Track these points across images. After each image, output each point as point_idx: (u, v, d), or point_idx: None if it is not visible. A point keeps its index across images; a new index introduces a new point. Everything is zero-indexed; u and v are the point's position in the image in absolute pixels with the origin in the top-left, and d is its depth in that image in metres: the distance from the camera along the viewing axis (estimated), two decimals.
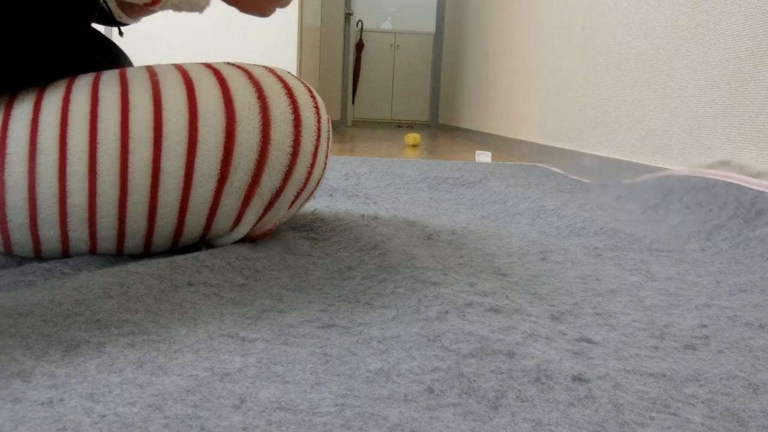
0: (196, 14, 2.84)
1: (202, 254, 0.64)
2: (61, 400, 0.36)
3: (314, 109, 0.70)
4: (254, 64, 0.72)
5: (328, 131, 0.73)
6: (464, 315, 0.53)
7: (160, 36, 2.89)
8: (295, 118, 0.68)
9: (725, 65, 1.22)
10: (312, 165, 0.70)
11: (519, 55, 2.87)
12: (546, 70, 2.41)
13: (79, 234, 0.65)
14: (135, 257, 0.69)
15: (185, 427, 0.33)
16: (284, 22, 3.43)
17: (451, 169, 1.85)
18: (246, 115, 0.65)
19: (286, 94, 0.68)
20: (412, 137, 3.33)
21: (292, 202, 0.72)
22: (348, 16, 5.58)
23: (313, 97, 0.71)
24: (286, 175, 0.68)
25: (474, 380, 0.42)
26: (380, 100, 6.67)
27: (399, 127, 6.22)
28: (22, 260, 0.68)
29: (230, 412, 0.36)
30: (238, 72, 0.69)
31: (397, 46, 6.59)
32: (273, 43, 3.33)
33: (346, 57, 5.78)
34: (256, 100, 0.66)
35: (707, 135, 1.27)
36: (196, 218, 0.67)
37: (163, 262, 0.61)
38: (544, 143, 2.37)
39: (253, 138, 0.65)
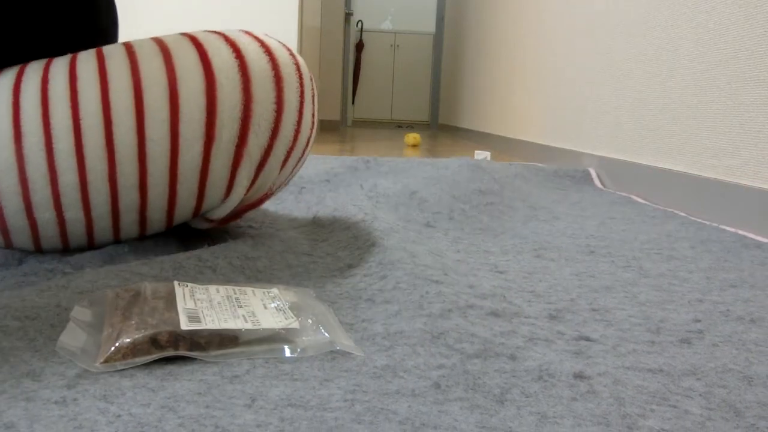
0: (196, 13, 2.84)
1: (205, 253, 0.64)
2: (75, 399, 0.36)
3: (294, 65, 0.71)
4: (229, 29, 0.73)
5: (312, 89, 0.73)
6: (466, 316, 0.53)
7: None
8: (275, 75, 0.68)
9: (725, 65, 1.22)
10: (298, 123, 0.71)
11: (519, 55, 2.87)
12: (546, 70, 2.42)
13: (74, 214, 0.65)
14: (137, 256, 0.69)
15: (200, 426, 0.34)
16: (284, 22, 3.43)
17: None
18: (225, 75, 0.66)
19: (264, 52, 0.69)
20: (412, 137, 3.33)
21: (284, 163, 0.72)
22: (348, 16, 5.58)
23: (292, 55, 0.71)
24: (272, 132, 0.69)
25: (479, 377, 0.42)
26: (380, 100, 6.68)
27: (399, 127, 6.22)
28: (22, 259, 0.69)
29: (242, 410, 0.36)
30: (214, 36, 0.69)
31: (397, 46, 6.59)
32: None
33: (346, 57, 5.78)
34: (234, 60, 0.67)
35: (707, 135, 1.28)
36: (187, 185, 0.67)
37: (166, 262, 0.61)
38: (544, 143, 2.37)
39: (234, 97, 0.66)
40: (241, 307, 0.49)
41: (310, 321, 0.49)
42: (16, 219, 0.64)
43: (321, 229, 0.88)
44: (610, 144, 1.74)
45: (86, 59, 0.65)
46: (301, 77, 0.71)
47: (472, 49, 4.26)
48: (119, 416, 0.34)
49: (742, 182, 1.15)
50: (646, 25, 1.56)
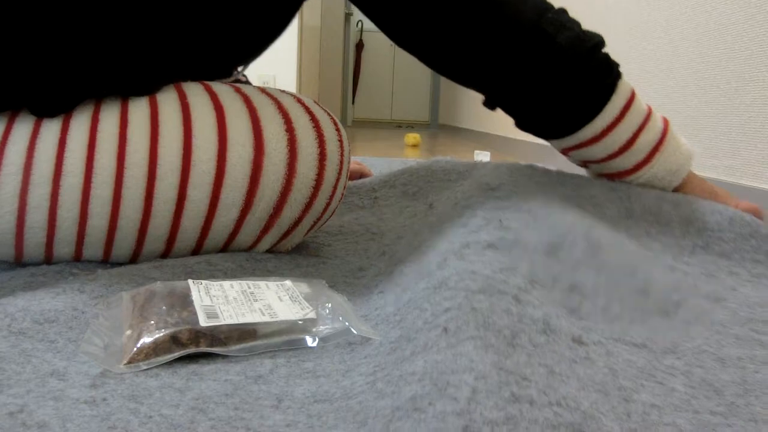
0: None
1: (214, 257, 0.65)
2: (104, 399, 0.37)
3: (338, 142, 0.70)
4: (282, 91, 0.72)
5: (348, 162, 0.73)
6: (463, 257, 0.53)
7: None
8: (320, 152, 0.68)
9: (725, 65, 1.23)
10: (331, 197, 0.71)
11: None
12: None
13: (93, 252, 0.64)
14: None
15: (231, 429, 0.35)
16: None
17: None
18: (274, 147, 0.65)
19: (313, 127, 0.68)
20: (412, 137, 3.34)
21: (308, 231, 0.72)
22: (348, 16, 5.58)
23: (338, 129, 0.71)
24: (306, 206, 0.68)
25: (488, 316, 0.41)
26: (380, 100, 6.68)
27: (399, 127, 6.22)
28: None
29: (271, 411, 0.37)
30: (268, 100, 0.68)
31: None
32: (273, 43, 3.31)
33: (346, 57, 5.79)
34: (284, 132, 0.66)
35: (707, 135, 1.29)
36: (214, 243, 0.67)
37: (177, 267, 0.62)
38: (543, 143, 2.38)
39: (279, 171, 0.65)
40: (256, 300, 0.50)
41: (326, 310, 0.49)
42: (34, 251, 0.63)
43: (328, 236, 0.88)
44: None
45: (138, 103, 0.64)
46: (342, 153, 0.70)
47: None
48: (151, 417, 0.35)
49: (742, 182, 1.16)
50: (646, 25, 1.57)
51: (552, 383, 0.35)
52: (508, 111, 0.79)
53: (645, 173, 0.79)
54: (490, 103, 0.81)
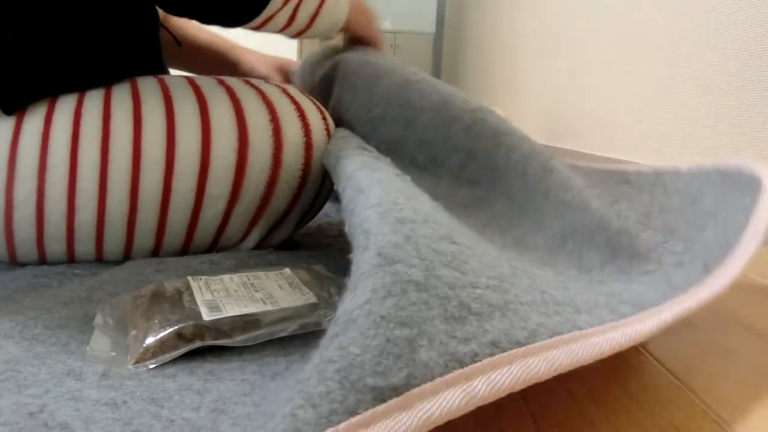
0: None
1: (216, 257, 0.66)
2: (125, 402, 0.37)
3: (325, 131, 0.70)
4: (266, 81, 0.72)
5: None
6: None
7: None
8: (306, 142, 0.68)
9: (725, 66, 1.24)
10: (320, 187, 0.71)
11: (519, 56, 2.89)
12: (546, 70, 2.44)
13: (85, 248, 0.65)
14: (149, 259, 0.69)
15: (251, 422, 0.35)
16: None
17: None
18: (258, 137, 0.65)
19: (299, 116, 0.68)
20: None
21: (297, 224, 0.73)
22: None
23: (324, 118, 0.71)
24: (294, 198, 0.68)
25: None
26: None
27: None
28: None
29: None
30: (252, 92, 0.68)
31: (397, 46, 6.57)
32: (273, 43, 3.32)
33: None
34: (269, 123, 0.66)
35: (707, 135, 1.29)
36: (203, 236, 0.67)
37: (180, 268, 0.62)
38: (543, 143, 2.39)
39: (264, 161, 0.65)
40: (257, 291, 0.50)
41: (326, 294, 0.50)
42: (26, 248, 0.64)
43: (329, 238, 0.88)
44: (609, 144, 1.76)
45: (121, 97, 0.64)
46: (329, 143, 0.70)
47: (472, 49, 4.27)
48: (173, 421, 0.35)
49: None
50: (646, 26, 1.58)
51: (415, 206, 0.38)
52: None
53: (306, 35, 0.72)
54: None
